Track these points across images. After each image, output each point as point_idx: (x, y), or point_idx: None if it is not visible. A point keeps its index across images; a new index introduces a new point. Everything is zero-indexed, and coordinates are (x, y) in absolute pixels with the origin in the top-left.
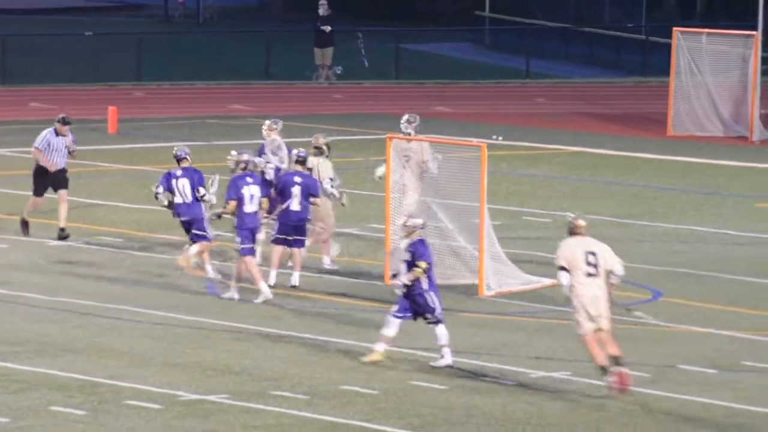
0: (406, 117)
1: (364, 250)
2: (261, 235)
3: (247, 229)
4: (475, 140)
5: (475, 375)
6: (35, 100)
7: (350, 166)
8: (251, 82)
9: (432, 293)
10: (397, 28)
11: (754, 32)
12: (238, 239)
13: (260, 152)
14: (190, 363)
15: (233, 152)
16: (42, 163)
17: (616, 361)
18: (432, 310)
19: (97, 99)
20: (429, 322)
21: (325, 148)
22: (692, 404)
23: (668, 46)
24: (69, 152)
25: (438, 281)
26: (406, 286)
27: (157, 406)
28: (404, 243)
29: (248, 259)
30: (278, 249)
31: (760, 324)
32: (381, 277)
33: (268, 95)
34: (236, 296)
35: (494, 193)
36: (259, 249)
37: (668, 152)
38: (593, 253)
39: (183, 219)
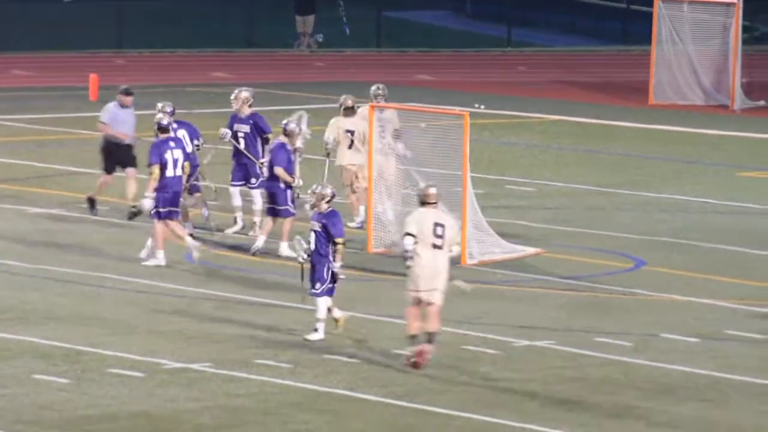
0: (373, 89)
1: (346, 219)
2: (258, 206)
3: (167, 192)
4: (457, 108)
5: (458, 344)
6: (17, 67)
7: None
8: (233, 49)
9: (329, 265)
10: None
11: (734, 1)
12: (152, 203)
13: (232, 123)
14: (173, 331)
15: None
16: (113, 134)
17: (430, 337)
18: (324, 281)
19: (78, 66)
20: (312, 294)
21: (356, 107)
22: (674, 373)
23: (650, 15)
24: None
25: None
26: (309, 256)
27: (140, 374)
28: (311, 212)
29: (160, 224)
30: (268, 218)
31: (741, 292)
32: (364, 245)
33: (250, 63)
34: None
35: (476, 162)
36: (258, 220)
37: (649, 121)
38: (441, 225)
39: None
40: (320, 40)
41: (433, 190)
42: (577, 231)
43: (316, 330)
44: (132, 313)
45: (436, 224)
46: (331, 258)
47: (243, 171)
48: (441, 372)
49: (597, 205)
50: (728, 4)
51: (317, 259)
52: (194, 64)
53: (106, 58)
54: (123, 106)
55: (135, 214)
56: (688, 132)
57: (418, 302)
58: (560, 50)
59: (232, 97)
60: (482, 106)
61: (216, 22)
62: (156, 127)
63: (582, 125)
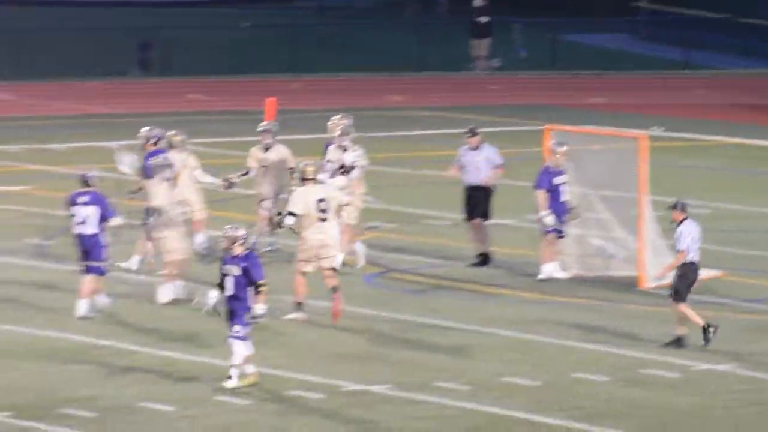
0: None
1: (522, 242)
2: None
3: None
4: (635, 131)
5: (636, 367)
6: (192, 91)
7: (506, 158)
8: (407, 73)
9: (250, 310)
10: (553, 18)
11: None
12: None
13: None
14: (353, 354)
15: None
16: (454, 177)
17: (335, 290)
18: (244, 324)
19: (253, 90)
20: (232, 336)
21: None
22: None
23: None
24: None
25: (598, 273)
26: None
27: (320, 396)
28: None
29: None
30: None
31: None
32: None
33: (424, 86)
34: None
35: (654, 185)
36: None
37: None
38: (323, 200)
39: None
40: (497, 65)
41: (311, 167)
42: (757, 254)
43: (230, 377)
44: (311, 337)
45: (318, 200)
46: (250, 302)
47: None
48: (619, 395)
49: None
50: None
51: (236, 304)
52: (368, 87)
53: (281, 82)
54: (471, 147)
55: (483, 263)
56: None
57: (304, 273)
58: (739, 73)
59: (328, 123)
60: (662, 128)
61: (389, 45)
62: (152, 142)
63: (762, 149)
